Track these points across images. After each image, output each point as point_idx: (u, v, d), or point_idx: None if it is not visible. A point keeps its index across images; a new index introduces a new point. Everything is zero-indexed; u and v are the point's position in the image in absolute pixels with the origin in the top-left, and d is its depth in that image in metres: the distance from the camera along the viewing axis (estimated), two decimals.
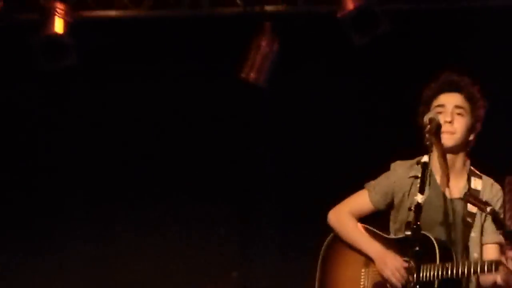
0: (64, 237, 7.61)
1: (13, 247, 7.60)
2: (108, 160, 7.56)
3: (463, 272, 4.34)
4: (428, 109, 4.61)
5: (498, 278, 4.26)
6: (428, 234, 4.41)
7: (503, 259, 4.33)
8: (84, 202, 7.65)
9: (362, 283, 4.74)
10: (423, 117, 4.53)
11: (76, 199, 7.65)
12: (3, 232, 7.61)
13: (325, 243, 4.93)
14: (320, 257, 4.93)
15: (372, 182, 4.79)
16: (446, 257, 4.40)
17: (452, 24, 6.85)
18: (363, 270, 4.75)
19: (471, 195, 4.42)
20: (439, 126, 4.41)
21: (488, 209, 4.14)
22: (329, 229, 4.90)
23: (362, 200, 4.87)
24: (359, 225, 4.85)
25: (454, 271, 4.32)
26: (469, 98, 4.62)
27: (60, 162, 7.63)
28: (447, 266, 4.34)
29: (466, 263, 4.37)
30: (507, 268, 4.20)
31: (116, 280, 7.43)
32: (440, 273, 4.34)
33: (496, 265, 4.25)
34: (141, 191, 7.55)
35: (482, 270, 4.31)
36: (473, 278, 4.55)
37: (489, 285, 4.43)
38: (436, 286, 4.37)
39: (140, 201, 7.54)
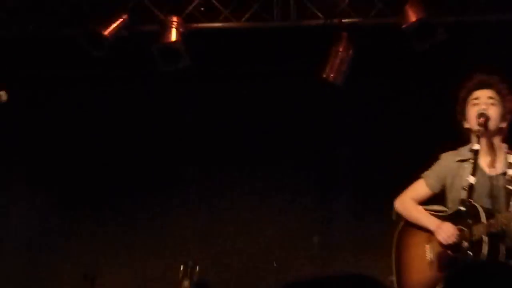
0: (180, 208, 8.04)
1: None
2: (215, 143, 7.91)
3: (504, 223, 4.88)
4: (465, 105, 5.19)
5: None
6: (474, 203, 4.92)
7: None
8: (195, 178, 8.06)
9: (428, 256, 5.25)
10: (461, 113, 5.20)
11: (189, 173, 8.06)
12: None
13: (397, 230, 5.48)
14: (394, 242, 5.47)
15: (427, 172, 5.35)
16: (490, 218, 4.91)
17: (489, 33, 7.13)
18: (427, 246, 5.25)
19: None
20: (488, 119, 4.97)
21: None
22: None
23: (420, 187, 5.40)
24: (420, 207, 5.37)
25: (497, 224, 4.85)
26: (498, 92, 5.15)
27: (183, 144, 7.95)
28: (491, 222, 4.85)
29: (506, 215, 4.89)
30: None
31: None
32: (486, 230, 4.87)
33: None
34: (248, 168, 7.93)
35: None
36: None
37: None
38: (485, 241, 4.89)
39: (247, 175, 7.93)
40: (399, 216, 5.47)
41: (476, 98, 5.16)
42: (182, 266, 7.17)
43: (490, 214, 4.94)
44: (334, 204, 7.84)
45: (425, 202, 5.42)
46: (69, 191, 8.20)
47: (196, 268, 7.22)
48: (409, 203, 5.42)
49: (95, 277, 7.38)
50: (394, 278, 5.49)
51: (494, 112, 5.08)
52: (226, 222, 8.03)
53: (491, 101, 5.12)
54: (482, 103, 5.10)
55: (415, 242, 5.39)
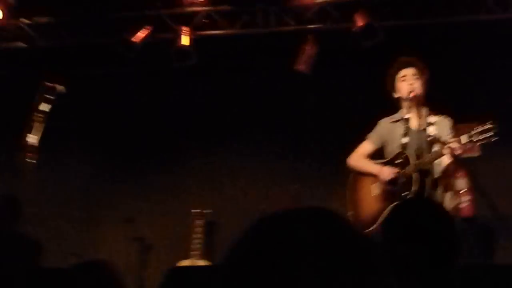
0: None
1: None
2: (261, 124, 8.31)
3: (426, 162, 5.43)
4: (393, 80, 5.69)
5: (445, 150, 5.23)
6: (406, 153, 5.51)
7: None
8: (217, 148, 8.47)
9: (373, 193, 5.77)
10: (392, 87, 5.70)
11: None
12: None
13: (349, 179, 6.00)
14: (348, 187, 6.01)
15: (370, 133, 5.91)
16: (417, 160, 5.46)
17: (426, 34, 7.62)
18: (373, 185, 5.79)
19: (433, 138, 5.43)
20: (416, 93, 5.55)
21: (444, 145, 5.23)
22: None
23: (366, 145, 5.94)
24: (366, 160, 5.90)
25: (422, 163, 5.41)
26: (419, 69, 5.66)
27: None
28: (417, 162, 5.42)
29: (427, 156, 5.43)
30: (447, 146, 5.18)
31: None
32: (415, 168, 5.42)
33: (441, 151, 5.28)
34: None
35: (436, 155, 5.38)
36: (436, 166, 5.50)
37: (446, 165, 5.47)
38: (415, 177, 5.42)
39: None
40: (352, 168, 5.97)
41: (403, 76, 5.66)
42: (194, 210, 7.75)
43: (417, 157, 5.49)
44: (305, 165, 8.15)
45: (371, 157, 5.92)
46: (112, 153, 8.64)
47: (208, 211, 7.79)
48: (358, 157, 5.94)
49: (134, 219, 7.99)
50: (351, 213, 5.91)
51: (418, 85, 5.62)
52: (237, 175, 8.36)
53: (415, 77, 5.63)
54: (409, 79, 5.62)
55: (363, 185, 5.90)
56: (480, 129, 5.20)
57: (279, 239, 1.20)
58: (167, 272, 4.74)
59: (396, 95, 5.75)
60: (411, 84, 5.61)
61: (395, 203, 3.99)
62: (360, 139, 5.99)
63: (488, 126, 5.20)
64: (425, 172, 5.51)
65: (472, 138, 5.21)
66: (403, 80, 5.68)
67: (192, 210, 7.77)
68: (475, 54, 7.70)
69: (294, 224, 1.22)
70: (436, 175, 5.57)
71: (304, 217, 1.24)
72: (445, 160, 5.42)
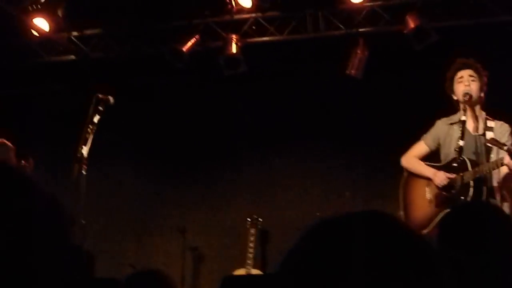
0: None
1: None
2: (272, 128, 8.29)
3: (486, 171, 5.39)
4: (452, 83, 5.68)
5: (506, 159, 5.15)
6: (464, 157, 5.41)
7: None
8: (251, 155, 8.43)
9: (427, 196, 5.76)
10: (450, 89, 5.68)
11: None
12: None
13: (402, 178, 5.98)
14: (401, 187, 5.98)
15: (425, 135, 5.87)
16: (475, 167, 5.42)
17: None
18: (427, 188, 5.77)
19: (492, 140, 5.37)
20: (471, 96, 5.50)
21: (505, 147, 5.21)
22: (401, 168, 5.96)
23: (420, 146, 5.91)
24: (420, 161, 5.87)
25: (480, 171, 5.37)
26: (476, 71, 5.64)
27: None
28: (476, 169, 5.38)
29: (487, 164, 5.41)
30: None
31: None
32: (473, 176, 5.40)
33: (501, 159, 5.21)
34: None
35: (496, 165, 5.33)
36: (494, 174, 5.48)
37: (505, 174, 5.40)
38: (471, 184, 5.41)
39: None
40: (405, 169, 5.96)
41: (461, 77, 5.64)
42: (249, 218, 7.71)
43: (475, 164, 5.46)
44: (357, 169, 8.10)
45: (424, 159, 5.91)
46: (163, 164, 8.62)
47: (259, 219, 7.75)
48: (412, 159, 5.92)
49: (186, 229, 7.99)
50: (402, 213, 5.90)
51: (475, 87, 5.60)
52: (288, 184, 8.28)
53: (472, 78, 5.62)
54: (465, 81, 5.61)
55: (417, 186, 5.87)
56: None
57: (335, 243, 1.19)
58: (222, 280, 4.77)
59: (454, 97, 5.72)
60: (467, 85, 5.57)
61: (454, 206, 4.03)
62: (415, 139, 5.98)
63: None
64: (482, 179, 5.48)
65: None
66: (460, 82, 5.66)
67: (247, 219, 7.74)
68: None
69: (350, 227, 1.21)
70: (494, 183, 5.53)
71: (359, 221, 1.23)
72: (504, 168, 5.35)
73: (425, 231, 5.54)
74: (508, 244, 2.72)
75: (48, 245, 1.34)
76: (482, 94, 5.68)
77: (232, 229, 8.18)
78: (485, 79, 5.68)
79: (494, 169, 5.41)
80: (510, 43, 7.49)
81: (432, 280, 1.17)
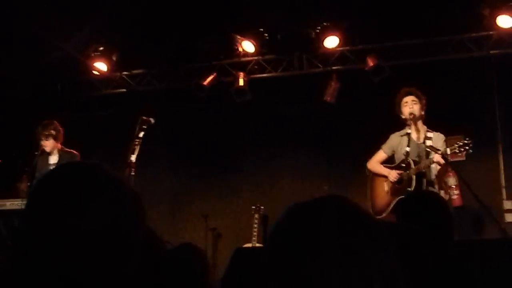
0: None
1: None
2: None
3: (424, 166, 5.42)
4: (400, 106, 5.68)
5: (435, 158, 5.21)
6: (409, 159, 5.53)
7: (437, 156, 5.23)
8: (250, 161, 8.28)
9: (385, 189, 5.80)
10: (399, 111, 5.68)
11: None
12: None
13: (368, 178, 5.99)
14: (368, 184, 6.01)
15: (383, 145, 5.92)
16: (416, 165, 5.47)
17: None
18: (385, 183, 5.83)
19: (430, 146, 5.40)
20: (414, 115, 5.61)
21: (439, 151, 5.29)
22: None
23: (380, 154, 5.95)
24: (381, 165, 5.91)
25: (420, 168, 5.42)
26: (417, 96, 5.66)
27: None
28: (416, 166, 5.44)
29: (423, 162, 5.43)
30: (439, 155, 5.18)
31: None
32: (415, 171, 5.43)
33: (432, 159, 5.26)
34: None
35: (429, 162, 5.33)
36: (432, 169, 5.47)
37: (438, 169, 5.43)
38: (414, 178, 5.42)
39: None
40: (370, 171, 6.00)
41: (406, 102, 5.67)
42: (253, 206, 7.51)
43: (417, 163, 5.51)
44: (335, 170, 7.92)
45: (383, 163, 5.94)
46: (191, 165, 8.37)
47: (261, 207, 7.52)
48: (374, 163, 5.95)
49: (208, 215, 7.98)
50: (370, 203, 5.89)
51: (417, 108, 5.63)
52: (283, 179, 8.13)
53: (414, 102, 5.63)
54: (409, 104, 5.64)
55: (378, 183, 5.91)
56: (460, 143, 5.24)
57: (306, 222, 1.15)
58: (234, 252, 4.73)
59: (402, 116, 5.72)
60: (410, 108, 5.60)
61: (400, 197, 4.18)
62: (376, 148, 5.99)
63: (466, 141, 5.24)
64: (422, 174, 5.49)
65: (455, 150, 5.24)
66: (405, 106, 5.69)
67: (252, 206, 7.60)
68: (460, 84, 7.58)
69: (319, 209, 1.17)
70: (432, 177, 5.54)
71: (326, 203, 1.19)
72: (438, 165, 5.43)
73: (384, 215, 5.59)
74: (444, 217, 2.80)
75: (134, 227, 1.32)
76: (423, 113, 5.69)
77: (241, 214, 7.99)
78: (424, 102, 5.67)
79: (427, 165, 5.40)
80: (439, 77, 7.48)
81: (382, 251, 1.12)
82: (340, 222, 1.12)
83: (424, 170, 5.48)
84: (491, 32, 7.28)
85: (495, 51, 7.40)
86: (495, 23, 7.04)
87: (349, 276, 1.05)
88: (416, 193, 4.51)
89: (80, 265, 1.23)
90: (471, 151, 5.25)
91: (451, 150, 5.26)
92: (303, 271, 1.08)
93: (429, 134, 5.64)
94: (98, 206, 1.29)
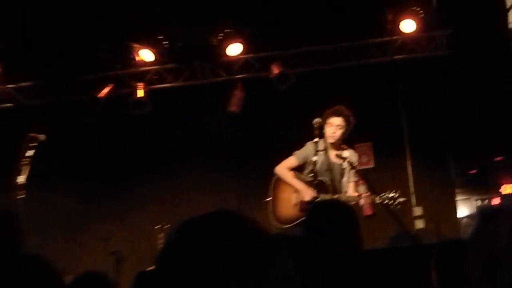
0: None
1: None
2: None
3: (339, 191, 5.57)
4: (325, 121, 5.62)
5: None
6: (324, 181, 5.57)
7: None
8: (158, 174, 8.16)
9: (293, 201, 5.76)
10: (324, 122, 5.61)
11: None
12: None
13: (272, 179, 5.93)
14: (271, 189, 5.95)
15: (296, 151, 5.82)
16: (333, 192, 5.56)
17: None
18: (294, 194, 5.77)
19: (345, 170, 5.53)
20: (334, 142, 5.58)
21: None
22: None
23: (292, 160, 5.87)
24: (291, 172, 5.83)
25: (336, 193, 5.53)
26: (345, 120, 5.62)
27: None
28: (336, 196, 5.47)
29: (344, 196, 5.50)
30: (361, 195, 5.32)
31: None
32: (330, 196, 5.50)
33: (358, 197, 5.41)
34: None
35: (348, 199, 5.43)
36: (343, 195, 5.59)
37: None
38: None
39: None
40: (276, 174, 5.86)
41: (330, 123, 5.62)
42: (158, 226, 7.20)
43: (332, 189, 5.58)
44: (243, 182, 7.97)
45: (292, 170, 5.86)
46: (88, 188, 8.28)
47: (167, 226, 7.17)
48: (284, 169, 5.87)
49: (108, 238, 7.76)
50: (270, 206, 5.85)
51: (339, 134, 5.61)
52: (187, 195, 8.02)
53: (339, 127, 5.61)
54: (333, 129, 5.60)
55: (285, 190, 5.85)
56: (390, 195, 5.40)
57: (196, 238, 1.17)
58: (136, 277, 4.66)
59: (324, 130, 5.72)
60: (333, 133, 5.63)
61: (312, 206, 4.07)
62: (285, 157, 5.91)
63: (394, 194, 5.40)
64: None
65: (382, 201, 5.39)
66: (329, 126, 5.68)
67: (156, 226, 7.39)
68: (365, 91, 7.75)
69: (209, 225, 1.19)
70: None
71: (216, 219, 1.21)
72: (353, 190, 5.59)
73: (287, 226, 5.64)
74: (351, 227, 2.86)
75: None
76: (345, 136, 5.72)
77: (144, 235, 7.78)
78: (351, 126, 5.65)
79: (348, 201, 5.36)
80: (345, 83, 7.63)
81: (277, 265, 1.15)
82: (232, 238, 1.14)
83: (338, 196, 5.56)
84: (395, 37, 7.58)
85: (399, 56, 7.71)
86: (399, 28, 7.33)
87: None
88: (323, 203, 4.56)
89: None
90: (398, 206, 5.36)
91: (380, 199, 5.41)
92: None
93: (345, 153, 5.71)
94: None
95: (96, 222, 8.27)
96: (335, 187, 5.63)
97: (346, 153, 5.71)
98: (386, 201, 5.37)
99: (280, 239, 1.18)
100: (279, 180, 5.96)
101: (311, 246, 2.14)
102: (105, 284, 2.48)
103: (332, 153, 5.71)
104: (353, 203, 5.37)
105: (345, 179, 5.62)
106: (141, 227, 8.02)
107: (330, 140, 5.59)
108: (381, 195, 5.39)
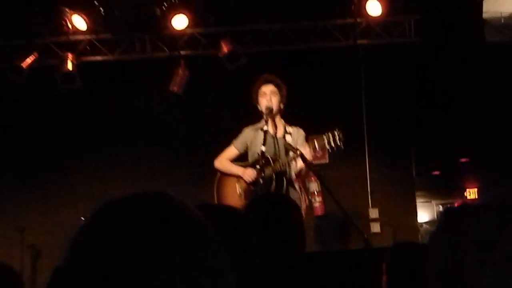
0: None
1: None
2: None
3: (282, 165, 5.39)
4: (257, 95, 5.53)
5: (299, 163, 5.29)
6: (266, 155, 5.42)
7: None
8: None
9: (238, 191, 5.64)
10: (256, 101, 5.53)
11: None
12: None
13: (216, 178, 5.80)
14: (215, 185, 5.79)
15: (235, 140, 5.71)
16: (275, 163, 5.41)
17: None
18: (237, 184, 5.66)
19: (288, 144, 5.38)
20: (272, 110, 5.43)
21: (298, 151, 5.21)
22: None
23: (231, 150, 5.74)
24: (231, 162, 5.73)
25: (280, 165, 5.38)
26: (277, 86, 5.53)
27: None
28: (274, 165, 5.38)
29: (283, 160, 5.37)
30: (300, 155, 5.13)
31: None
32: (273, 170, 5.39)
33: (295, 155, 5.24)
34: None
35: (290, 159, 5.36)
36: (291, 168, 5.46)
37: (299, 169, 5.44)
38: (274, 177, 5.40)
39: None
40: (218, 170, 5.78)
41: (264, 92, 5.51)
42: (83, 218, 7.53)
43: (276, 160, 5.44)
44: (182, 170, 7.82)
45: (234, 160, 5.77)
46: (4, 170, 7.92)
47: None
48: (224, 161, 5.75)
49: (25, 228, 7.48)
50: None
51: (275, 101, 5.50)
52: (116, 184, 7.72)
53: (273, 93, 5.50)
54: (268, 96, 5.50)
55: (228, 184, 5.73)
56: (329, 136, 5.27)
57: (119, 222, 1.11)
58: (54, 271, 4.26)
59: (259, 108, 5.56)
60: (268, 101, 5.45)
61: (253, 199, 3.80)
62: (226, 144, 5.78)
63: (335, 133, 5.28)
64: (282, 174, 5.42)
65: (324, 144, 5.29)
66: (263, 96, 5.51)
67: (82, 217, 6.99)
68: (323, 75, 7.64)
69: (133, 207, 1.14)
70: (292, 176, 5.49)
71: (143, 199, 1.15)
72: (299, 164, 5.36)
73: None
74: (292, 226, 2.70)
75: None
76: (282, 106, 5.57)
77: (66, 228, 6.96)
78: (284, 93, 5.55)
79: (284, 165, 5.39)
80: (302, 67, 7.55)
81: (209, 249, 1.11)
82: (162, 221, 1.10)
83: (283, 169, 5.42)
84: (359, 20, 7.36)
85: (363, 41, 7.51)
86: (364, 10, 7.14)
87: (173, 278, 1.04)
88: (263, 197, 4.29)
89: None
90: (342, 147, 5.28)
91: (319, 144, 5.29)
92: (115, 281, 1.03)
93: (289, 129, 5.58)
94: None
95: (12, 211, 7.92)
96: (281, 162, 5.46)
97: (290, 129, 5.58)
98: (331, 142, 5.29)
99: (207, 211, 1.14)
100: (222, 177, 5.79)
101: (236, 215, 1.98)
102: (10, 279, 2.17)
103: (273, 130, 5.55)
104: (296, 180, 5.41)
105: (290, 154, 5.43)
106: (63, 220, 7.62)
107: (267, 111, 5.42)
108: (318, 141, 5.30)
